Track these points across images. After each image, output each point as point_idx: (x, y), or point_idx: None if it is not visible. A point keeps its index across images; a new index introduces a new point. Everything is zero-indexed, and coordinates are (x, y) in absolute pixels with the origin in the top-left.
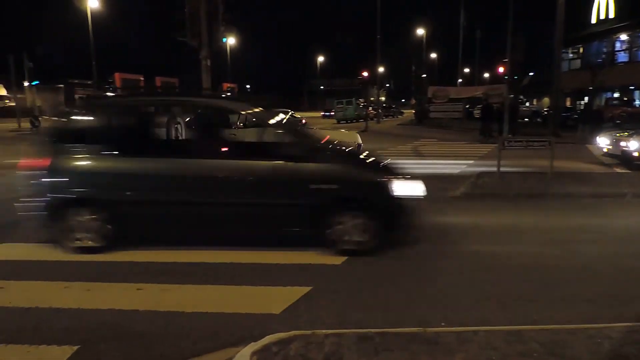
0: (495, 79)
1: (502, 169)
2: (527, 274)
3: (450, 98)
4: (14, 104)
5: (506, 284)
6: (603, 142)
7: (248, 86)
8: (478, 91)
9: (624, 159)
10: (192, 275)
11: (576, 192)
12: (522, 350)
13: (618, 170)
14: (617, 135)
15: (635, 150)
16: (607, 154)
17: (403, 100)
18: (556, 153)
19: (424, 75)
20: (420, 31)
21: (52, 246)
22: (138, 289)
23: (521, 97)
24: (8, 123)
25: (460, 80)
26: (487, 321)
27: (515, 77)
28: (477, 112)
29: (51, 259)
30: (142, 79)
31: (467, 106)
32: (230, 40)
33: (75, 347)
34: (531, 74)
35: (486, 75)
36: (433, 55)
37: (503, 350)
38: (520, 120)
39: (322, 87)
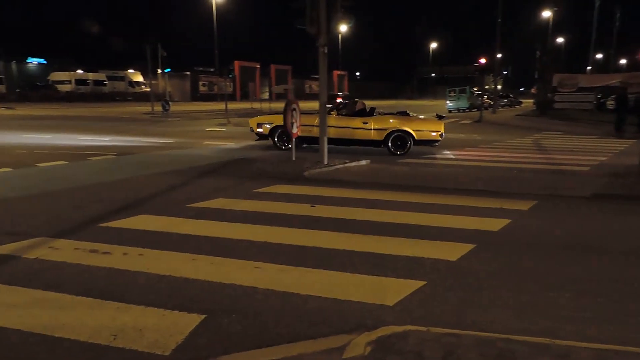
0: (635, 66)
1: None
2: None
3: (579, 87)
4: (149, 90)
5: None
6: None
7: (358, 73)
8: (614, 79)
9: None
10: (306, 259)
11: None
12: None
13: None
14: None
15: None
16: None
17: (522, 89)
18: None
19: (548, 62)
20: (547, 13)
21: (181, 220)
22: (256, 267)
23: None
24: (143, 107)
25: (589, 67)
26: (630, 340)
27: None
28: (610, 103)
29: (180, 231)
30: (258, 66)
31: (599, 96)
32: (341, 27)
33: (202, 316)
34: None
35: (623, 61)
36: (559, 40)
37: None
38: None
39: (433, 75)
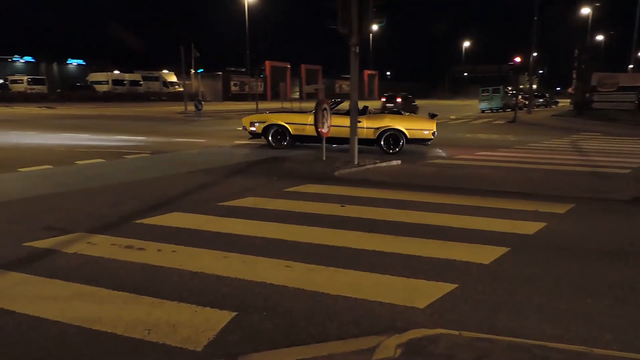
0: None
1: None
2: None
3: (620, 86)
4: (182, 90)
5: None
6: None
7: (388, 73)
8: None
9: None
10: (335, 258)
11: None
12: None
13: None
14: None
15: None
16: None
17: (558, 89)
18: None
19: (587, 60)
20: (586, 10)
21: (213, 218)
22: (286, 266)
23: None
24: (176, 106)
25: (631, 66)
26: None
27: None
28: None
29: (212, 229)
30: (288, 66)
31: None
32: (373, 27)
33: (234, 314)
34: None
35: None
36: (599, 38)
37: None
38: None
39: (465, 74)
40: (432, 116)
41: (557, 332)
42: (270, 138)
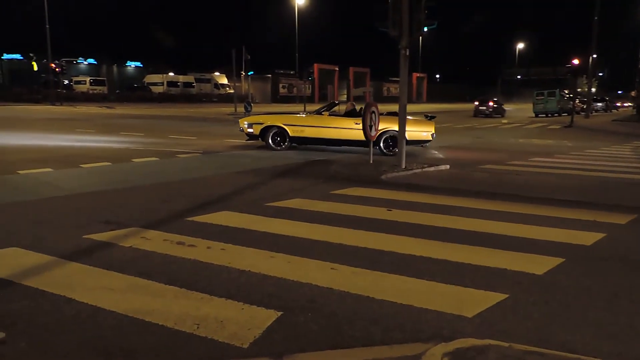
0: None
1: None
2: None
3: None
4: (232, 91)
5: None
6: None
7: (438, 75)
8: None
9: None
10: (381, 262)
11: None
12: None
13: None
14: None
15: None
16: None
17: (620, 92)
18: None
19: None
20: None
21: (260, 218)
22: (332, 268)
23: None
24: (226, 107)
25: None
26: None
27: None
28: None
29: (260, 229)
30: (336, 69)
31: None
32: (424, 29)
33: (279, 313)
34: None
35: None
36: None
37: None
38: None
39: (518, 77)
40: (431, 118)
41: (615, 349)
42: (269, 140)
